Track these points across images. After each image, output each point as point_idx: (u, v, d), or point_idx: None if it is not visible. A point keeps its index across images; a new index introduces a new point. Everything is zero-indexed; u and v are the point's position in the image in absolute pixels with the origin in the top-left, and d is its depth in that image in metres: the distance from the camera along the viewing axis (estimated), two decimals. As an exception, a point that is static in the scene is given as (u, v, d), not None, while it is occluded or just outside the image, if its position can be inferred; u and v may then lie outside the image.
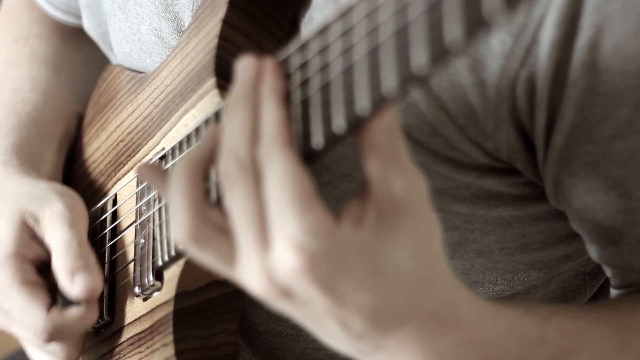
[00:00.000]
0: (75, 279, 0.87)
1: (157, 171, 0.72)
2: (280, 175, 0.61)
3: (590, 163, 0.74)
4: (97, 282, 0.87)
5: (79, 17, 1.09)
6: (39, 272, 0.91)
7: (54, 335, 0.88)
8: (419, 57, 0.56)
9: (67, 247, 0.88)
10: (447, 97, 0.76)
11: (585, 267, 0.94)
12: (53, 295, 0.90)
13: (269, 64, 0.65)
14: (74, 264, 0.87)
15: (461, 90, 0.75)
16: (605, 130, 0.73)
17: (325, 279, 0.61)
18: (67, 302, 0.89)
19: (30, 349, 0.94)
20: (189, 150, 0.67)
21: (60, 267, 0.88)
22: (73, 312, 0.88)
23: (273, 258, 0.61)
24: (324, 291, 0.61)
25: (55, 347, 0.90)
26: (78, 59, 1.11)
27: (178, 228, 0.65)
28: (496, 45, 0.73)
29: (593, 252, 0.81)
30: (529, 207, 0.84)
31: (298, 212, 0.60)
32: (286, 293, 0.62)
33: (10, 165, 0.96)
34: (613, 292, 0.82)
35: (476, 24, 0.53)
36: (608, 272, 0.82)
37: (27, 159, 0.98)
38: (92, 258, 0.89)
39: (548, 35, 0.71)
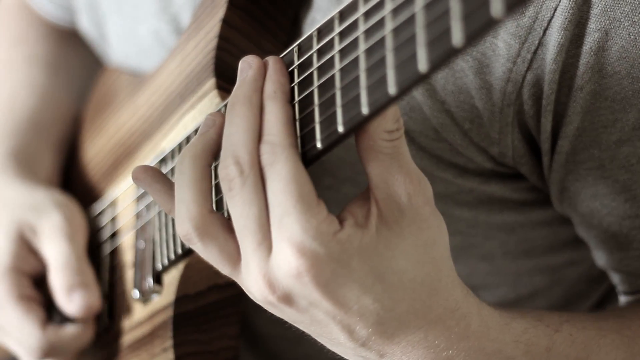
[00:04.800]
0: (72, 297, 0.86)
1: (155, 175, 0.70)
2: (286, 177, 0.60)
3: (596, 168, 0.74)
4: (95, 299, 0.87)
5: (73, 17, 1.08)
6: (36, 285, 0.90)
7: (48, 352, 0.88)
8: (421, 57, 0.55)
9: (64, 263, 0.87)
10: (452, 101, 0.75)
11: (590, 273, 0.93)
12: (49, 310, 0.90)
13: (272, 61, 0.64)
14: (71, 281, 0.87)
15: (467, 94, 0.74)
16: (612, 135, 0.72)
17: (328, 282, 0.60)
18: (64, 319, 0.88)
19: None
20: (192, 140, 0.66)
21: (58, 283, 0.87)
22: (69, 330, 0.88)
23: (274, 260, 0.60)
24: (327, 295, 0.60)
25: None
26: (75, 60, 1.10)
27: (183, 220, 0.64)
28: (502, 49, 0.72)
29: (599, 258, 0.80)
30: (533, 212, 0.83)
31: (302, 214, 0.59)
32: (286, 298, 0.61)
33: (8, 172, 0.96)
34: (622, 298, 0.81)
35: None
36: (615, 278, 0.81)
37: (26, 164, 0.97)
38: (90, 274, 0.88)
39: (555, 39, 0.70)
